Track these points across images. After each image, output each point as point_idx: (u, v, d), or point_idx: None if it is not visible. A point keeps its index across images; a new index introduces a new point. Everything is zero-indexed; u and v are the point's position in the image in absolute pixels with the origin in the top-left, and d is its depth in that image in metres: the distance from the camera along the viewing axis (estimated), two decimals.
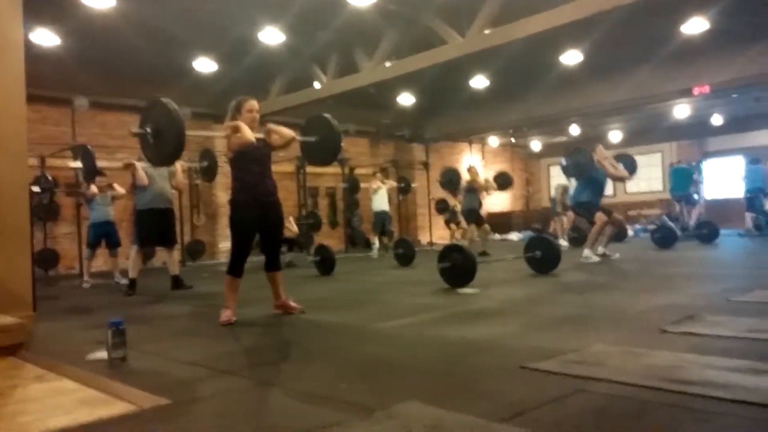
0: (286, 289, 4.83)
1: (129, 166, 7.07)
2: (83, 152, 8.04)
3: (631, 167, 9.00)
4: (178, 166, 7.36)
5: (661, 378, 2.38)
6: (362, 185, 13.71)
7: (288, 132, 4.69)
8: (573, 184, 12.34)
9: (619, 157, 9.03)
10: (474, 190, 10.62)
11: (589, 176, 8.20)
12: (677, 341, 3.07)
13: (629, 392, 2.25)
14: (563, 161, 8.49)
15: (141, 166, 6.92)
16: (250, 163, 4.50)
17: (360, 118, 15.18)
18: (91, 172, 7.85)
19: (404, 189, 14.42)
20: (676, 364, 2.58)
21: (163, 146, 4.29)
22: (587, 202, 8.21)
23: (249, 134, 4.36)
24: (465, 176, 11.23)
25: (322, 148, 5.09)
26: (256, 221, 4.54)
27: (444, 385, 2.58)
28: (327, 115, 5.11)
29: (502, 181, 11.64)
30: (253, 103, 4.55)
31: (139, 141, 4.45)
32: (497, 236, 17.48)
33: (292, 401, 2.42)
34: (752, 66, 11.18)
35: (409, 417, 2.07)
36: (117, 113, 12.03)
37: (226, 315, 4.40)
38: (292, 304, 4.73)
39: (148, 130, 4.32)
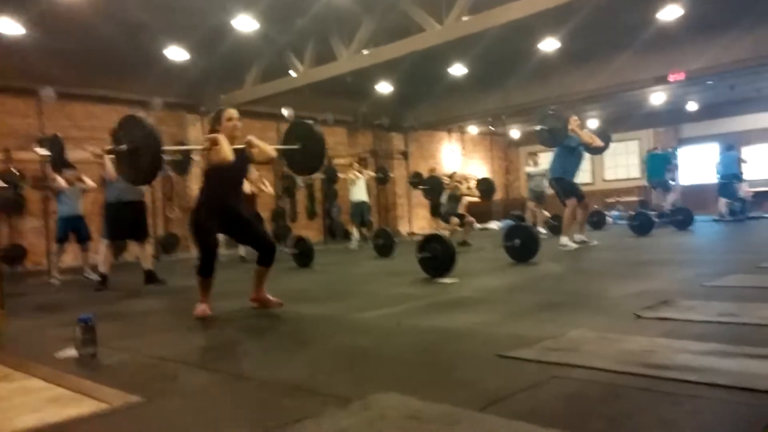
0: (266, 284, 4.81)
1: (98, 157, 6.95)
2: (52, 140, 7.91)
3: (605, 138, 8.95)
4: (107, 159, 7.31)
5: (636, 363, 2.42)
6: (341, 176, 13.68)
7: (269, 149, 4.62)
8: (539, 169, 12.43)
9: (593, 131, 9.09)
10: (456, 197, 10.67)
11: (564, 145, 8.17)
12: (652, 326, 3.13)
13: (604, 378, 2.29)
14: (537, 126, 8.36)
15: (110, 159, 6.81)
16: (223, 182, 4.45)
17: (337, 107, 15.13)
18: (60, 161, 7.72)
19: (382, 179, 14.43)
20: (650, 349, 2.62)
21: (139, 165, 4.19)
22: (560, 179, 8.21)
23: (228, 151, 4.29)
24: (446, 180, 11.29)
25: (306, 156, 5.02)
26: (218, 230, 4.54)
27: (422, 374, 2.60)
28: (309, 122, 5.07)
29: (485, 188, 11.74)
30: (233, 112, 4.51)
31: (114, 158, 4.35)
32: (477, 226, 17.60)
33: (269, 394, 2.42)
34: (727, 53, 11.35)
35: (386, 407, 2.08)
36: (85, 104, 11.83)
37: (200, 309, 4.37)
38: (271, 298, 4.72)
39: (124, 147, 4.21)
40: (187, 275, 7.98)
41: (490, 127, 19.38)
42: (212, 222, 4.44)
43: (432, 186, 11.57)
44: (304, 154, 4.99)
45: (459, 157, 19.61)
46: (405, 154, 15.96)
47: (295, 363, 2.94)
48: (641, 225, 10.07)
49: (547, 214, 12.11)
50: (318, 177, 14.43)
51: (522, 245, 6.78)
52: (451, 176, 11.13)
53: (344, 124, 16.41)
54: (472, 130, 19.83)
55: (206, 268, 4.47)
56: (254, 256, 4.76)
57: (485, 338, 3.18)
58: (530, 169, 12.78)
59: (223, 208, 4.48)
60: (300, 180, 13.54)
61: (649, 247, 8.29)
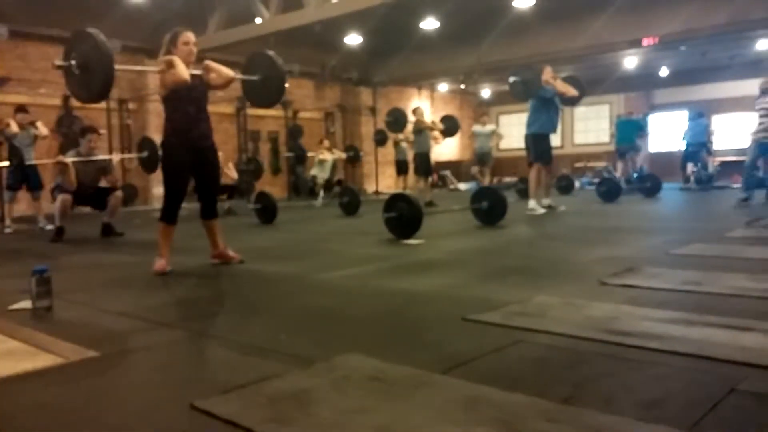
0: (224, 237, 4.77)
1: (60, 164, 6.72)
2: (2, 81, 7.62)
3: (579, 87, 8.95)
4: (114, 159, 7.20)
5: (599, 329, 2.48)
6: (310, 154, 13.43)
7: (227, 71, 4.54)
8: (486, 129, 12.46)
9: (565, 80, 9.09)
10: (422, 132, 10.63)
11: (539, 96, 8.17)
12: (616, 293, 3.21)
13: (567, 343, 2.35)
14: (510, 79, 8.31)
15: (71, 164, 6.61)
16: (185, 104, 4.36)
17: (305, 58, 14.86)
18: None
19: (353, 158, 14.23)
20: (614, 316, 2.70)
21: (91, 81, 4.09)
22: (539, 135, 8.22)
23: (184, 71, 4.20)
24: (410, 118, 11.21)
25: (265, 88, 4.95)
26: (190, 165, 4.43)
27: (386, 336, 2.63)
28: (270, 53, 4.97)
29: (449, 125, 11.64)
30: (190, 36, 4.36)
31: (63, 75, 4.23)
32: (453, 181, 17.67)
33: (231, 353, 2.42)
34: (702, 19, 11.45)
35: (350, 368, 2.10)
36: (39, 44, 11.38)
37: (159, 264, 4.32)
38: (231, 253, 4.69)
39: (73, 62, 4.09)
40: (145, 228, 7.87)
41: (462, 85, 19.31)
42: (185, 155, 4.36)
43: (395, 118, 11.49)
44: (264, 85, 4.91)
45: (429, 114, 19.54)
46: (373, 110, 15.82)
47: (257, 322, 2.94)
48: (608, 191, 10.24)
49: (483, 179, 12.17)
50: (283, 130, 14.25)
51: (490, 208, 6.84)
52: (414, 111, 11.08)
53: (311, 76, 16.15)
54: (443, 87, 19.73)
55: (171, 211, 4.41)
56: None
57: (451, 301, 3.22)
58: (477, 128, 12.69)
59: (192, 137, 4.39)
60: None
61: (616, 213, 8.45)
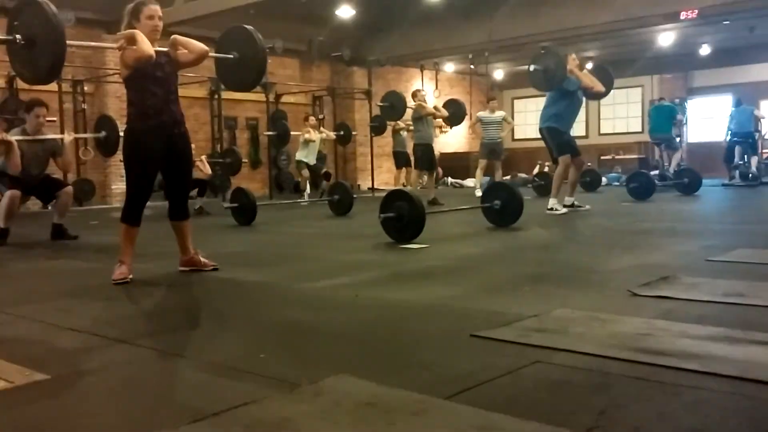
0: (193, 241, 4.77)
1: (3, 143, 6.69)
2: None
3: (608, 81, 8.92)
4: (66, 138, 7.15)
5: (629, 347, 2.49)
6: (294, 134, 13.42)
7: (199, 45, 4.54)
8: (496, 115, 12.43)
9: (593, 71, 9.10)
10: (423, 119, 10.63)
11: (560, 88, 8.20)
12: (649, 306, 3.21)
13: (592, 363, 2.35)
14: (531, 67, 8.33)
15: (16, 143, 6.57)
16: (151, 84, 4.34)
17: (289, 33, 14.84)
18: None
19: (343, 138, 14.24)
20: (646, 332, 2.70)
21: (38, 59, 4.08)
22: (554, 129, 8.26)
23: (147, 46, 4.19)
24: (410, 103, 11.21)
25: (242, 69, 4.95)
26: (159, 156, 4.42)
27: (382, 355, 2.63)
28: (248, 27, 4.97)
29: (454, 111, 11.62)
30: (155, 8, 4.35)
31: (7, 51, 4.23)
32: (450, 180, 17.70)
33: (202, 374, 2.42)
34: None
35: (340, 392, 2.10)
36: None
37: (120, 271, 4.32)
38: (203, 260, 4.69)
39: (18, 36, 4.08)
40: (103, 230, 7.86)
41: (471, 65, 19.32)
42: (153, 144, 4.34)
43: (392, 103, 11.48)
44: (241, 65, 4.91)
45: (432, 99, 19.57)
46: (368, 94, 15.78)
47: (233, 339, 2.94)
48: (641, 188, 10.27)
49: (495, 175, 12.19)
50: (264, 117, 14.24)
51: (503, 207, 6.85)
52: (414, 94, 11.07)
53: (296, 54, 16.14)
54: (449, 68, 19.74)
55: (134, 211, 4.39)
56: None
57: (457, 315, 3.22)
58: (484, 114, 12.61)
59: (162, 122, 4.36)
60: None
61: (648, 213, 8.47)
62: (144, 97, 4.36)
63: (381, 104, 11.82)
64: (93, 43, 10.19)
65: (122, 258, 4.38)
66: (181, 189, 4.68)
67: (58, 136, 7.44)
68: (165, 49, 4.45)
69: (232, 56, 4.91)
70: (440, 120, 12.13)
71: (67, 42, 4.07)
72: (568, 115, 8.31)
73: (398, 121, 13.17)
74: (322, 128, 13.40)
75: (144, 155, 4.38)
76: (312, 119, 12.70)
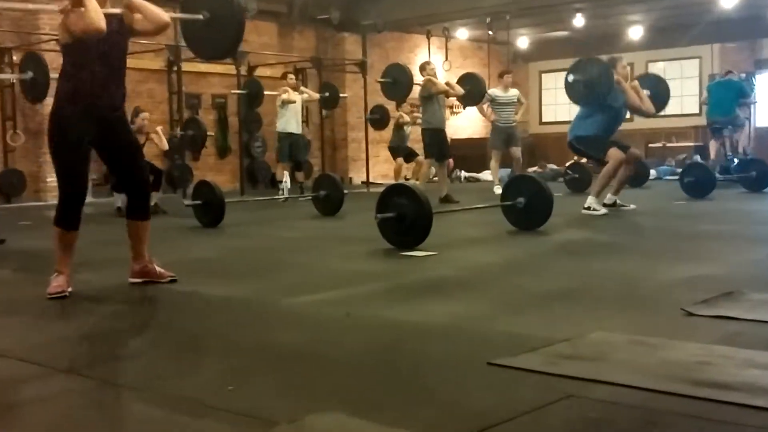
0: (149, 247, 4.76)
1: None
2: None
3: (662, 97, 8.91)
4: None
5: (683, 379, 2.49)
6: (267, 93, 13.49)
7: (159, 14, 4.52)
8: (511, 94, 12.44)
9: (644, 80, 9.05)
10: (434, 98, 10.61)
11: (603, 104, 8.16)
12: (707, 328, 3.21)
13: (637, 398, 2.35)
14: (569, 77, 8.37)
15: None
16: (93, 59, 4.32)
17: None
18: None
19: (329, 101, 14.24)
20: (704, 360, 2.70)
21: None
22: (592, 137, 8.24)
23: (97, 14, 4.16)
24: (417, 78, 11.18)
25: (214, 32, 4.93)
26: (95, 145, 4.44)
27: (378, 387, 2.63)
28: None
29: (472, 88, 11.59)
30: None
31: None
32: (464, 174, 17.69)
33: (157, 410, 2.42)
34: None
35: None
36: None
37: (57, 283, 4.31)
38: (158, 269, 4.68)
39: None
40: (37, 231, 7.84)
41: (489, 31, 19.32)
42: (81, 130, 4.34)
43: (395, 78, 11.41)
44: (212, 28, 4.91)
45: (442, 73, 19.57)
46: (362, 65, 15.76)
47: (196, 366, 2.94)
48: (698, 183, 10.25)
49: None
50: (234, 94, 14.23)
51: (528, 206, 6.83)
52: (422, 67, 11.02)
53: (274, 17, 16.13)
54: (462, 34, 19.74)
55: (69, 212, 4.38)
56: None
57: (471, 338, 3.23)
58: (497, 91, 12.52)
59: (94, 105, 4.36)
60: None
61: (707, 214, 8.48)
62: (81, 73, 4.35)
63: (381, 80, 11.77)
64: (25, 5, 10.16)
65: (59, 267, 4.37)
66: (132, 182, 4.67)
67: None
68: (117, 11, 4.43)
69: (201, 17, 4.89)
70: (452, 99, 12.10)
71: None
72: (605, 128, 8.26)
73: (402, 113, 13.13)
74: (302, 88, 13.27)
75: (73, 145, 4.36)
76: (291, 78, 12.62)
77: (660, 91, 8.99)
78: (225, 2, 4.91)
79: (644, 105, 8.48)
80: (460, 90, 11.17)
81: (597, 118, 8.23)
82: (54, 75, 7.86)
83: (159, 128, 10.28)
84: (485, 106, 12.41)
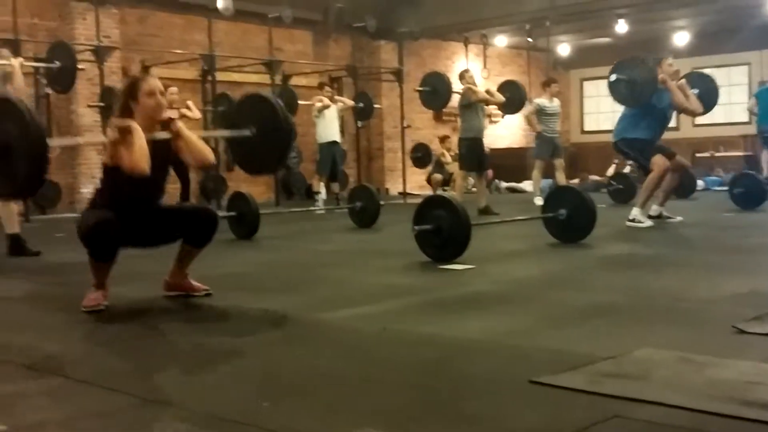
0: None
1: None
2: None
3: (709, 97, 8.84)
4: (15, 63, 7.17)
5: (733, 399, 2.46)
6: (302, 102, 13.57)
7: (203, 151, 4.61)
8: (556, 104, 12.38)
9: (691, 79, 8.95)
10: (473, 107, 10.59)
11: (647, 104, 8.09)
12: (759, 346, 3.17)
13: (685, 419, 2.32)
14: (612, 77, 8.32)
15: None
16: (133, 186, 4.35)
17: None
18: None
19: (364, 111, 14.28)
20: (755, 380, 2.66)
21: (12, 170, 4.15)
22: (640, 140, 8.17)
23: (143, 157, 4.21)
24: (456, 86, 11.18)
25: (260, 147, 4.95)
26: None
27: (416, 406, 2.62)
28: (269, 96, 5.03)
29: (513, 96, 11.57)
30: (155, 84, 4.42)
31: None
32: (503, 185, 17.65)
33: (192, 427, 2.43)
34: None
35: None
36: None
37: (93, 297, 4.35)
38: (193, 282, 4.72)
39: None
40: (71, 244, 7.93)
41: (528, 38, 19.28)
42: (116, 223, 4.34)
43: (434, 87, 11.44)
44: (259, 143, 4.90)
45: (480, 80, 19.56)
46: (399, 74, 15.79)
47: (232, 384, 2.95)
48: (748, 194, 10.13)
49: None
50: None
51: (570, 218, 6.80)
52: (462, 76, 11.01)
53: (309, 25, 16.24)
54: (500, 41, 19.72)
55: (101, 250, 4.38)
56: None
57: (511, 354, 3.21)
58: (544, 101, 12.50)
59: (129, 211, 4.40)
60: None
61: (758, 227, 8.41)
62: (119, 194, 4.41)
63: (420, 89, 11.80)
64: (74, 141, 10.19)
65: (96, 282, 4.42)
66: (196, 219, 4.69)
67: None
68: (164, 136, 4.48)
69: (249, 133, 4.91)
70: (491, 107, 12.10)
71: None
72: (652, 131, 8.18)
73: (444, 151, 13.19)
74: (336, 97, 13.35)
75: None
76: (326, 88, 12.73)
77: (708, 91, 8.87)
78: (273, 118, 4.89)
79: (691, 104, 8.37)
80: (500, 98, 11.13)
81: (645, 121, 8.10)
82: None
83: (189, 102, 10.40)
84: (532, 117, 12.41)
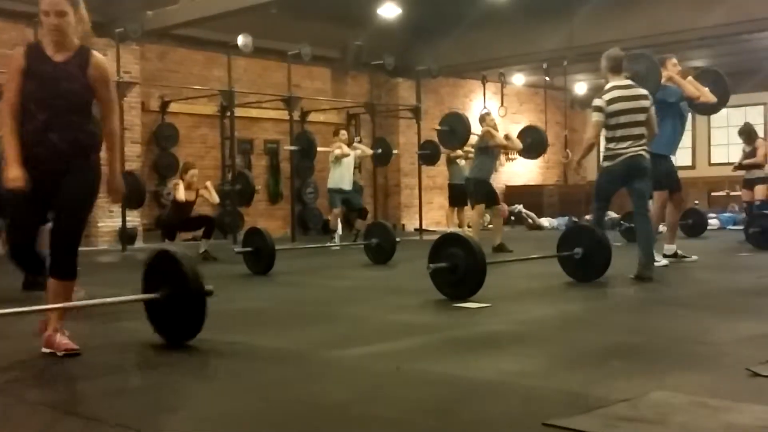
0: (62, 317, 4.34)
1: None
2: None
3: (721, 89, 8.72)
4: None
5: None
6: (321, 150, 13.54)
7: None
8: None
9: (700, 76, 8.89)
10: (489, 151, 10.61)
11: (657, 102, 7.96)
12: None
13: None
14: None
15: None
16: (35, 105, 3.98)
17: (319, 36, 15.10)
18: None
19: (382, 157, 14.32)
20: None
21: None
22: (654, 154, 8.05)
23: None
24: (477, 129, 11.24)
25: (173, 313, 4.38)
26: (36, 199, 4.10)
27: None
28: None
29: (533, 141, 11.65)
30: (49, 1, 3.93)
31: None
32: (529, 218, 17.61)
33: None
34: None
35: None
36: None
37: (58, 340, 4.07)
38: (60, 340, 4.12)
39: None
40: (86, 277, 7.96)
41: (546, 77, 19.36)
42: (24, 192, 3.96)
43: (452, 127, 11.50)
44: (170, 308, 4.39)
45: (497, 120, 19.62)
46: (416, 111, 15.87)
47: (243, 421, 2.94)
48: (764, 233, 10.08)
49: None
50: (286, 141, 14.41)
51: (585, 256, 6.78)
52: (482, 119, 11.04)
53: (328, 62, 16.37)
54: (518, 80, 19.80)
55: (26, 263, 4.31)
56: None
57: (525, 396, 3.19)
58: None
59: (33, 159, 4.00)
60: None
61: None
62: (26, 119, 4.02)
63: (439, 128, 11.87)
64: None
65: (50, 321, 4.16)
66: (60, 238, 4.30)
67: None
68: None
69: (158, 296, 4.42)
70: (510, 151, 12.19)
71: None
72: (669, 135, 8.13)
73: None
74: (355, 143, 13.43)
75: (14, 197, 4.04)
76: (343, 133, 12.78)
77: (718, 87, 8.80)
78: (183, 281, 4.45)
79: (704, 95, 8.29)
80: (518, 144, 11.20)
81: (662, 128, 7.75)
82: None
83: (208, 183, 10.48)
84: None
